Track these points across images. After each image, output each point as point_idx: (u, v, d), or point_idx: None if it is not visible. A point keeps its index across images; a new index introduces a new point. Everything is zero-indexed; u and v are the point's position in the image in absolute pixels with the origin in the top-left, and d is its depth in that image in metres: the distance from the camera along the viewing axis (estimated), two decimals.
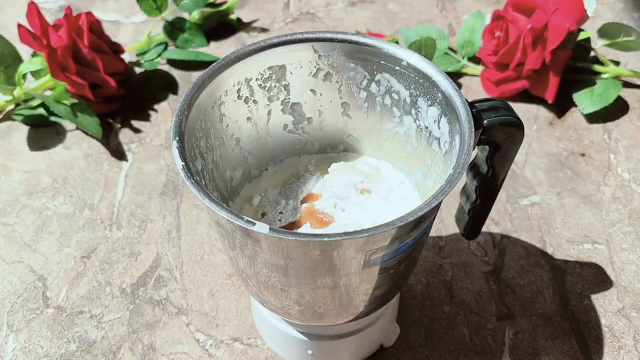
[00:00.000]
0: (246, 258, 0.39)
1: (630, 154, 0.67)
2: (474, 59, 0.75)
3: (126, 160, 0.67)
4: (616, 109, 0.71)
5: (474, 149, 0.38)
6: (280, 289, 0.40)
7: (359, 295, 0.41)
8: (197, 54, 0.76)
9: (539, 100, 0.72)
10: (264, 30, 0.82)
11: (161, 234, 0.60)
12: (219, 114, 0.43)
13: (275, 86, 0.46)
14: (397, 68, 0.43)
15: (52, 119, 0.70)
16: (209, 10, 0.79)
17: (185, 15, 0.79)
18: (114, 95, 0.71)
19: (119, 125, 0.70)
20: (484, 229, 0.60)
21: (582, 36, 0.70)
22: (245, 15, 0.84)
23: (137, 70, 0.76)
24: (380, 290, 0.41)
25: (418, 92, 0.43)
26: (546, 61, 0.68)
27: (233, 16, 0.82)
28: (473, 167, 0.45)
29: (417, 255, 0.43)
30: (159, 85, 0.75)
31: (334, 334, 0.48)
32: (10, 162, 0.67)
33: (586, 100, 0.69)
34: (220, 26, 0.82)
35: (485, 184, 0.44)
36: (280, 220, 0.45)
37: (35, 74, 0.70)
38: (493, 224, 0.60)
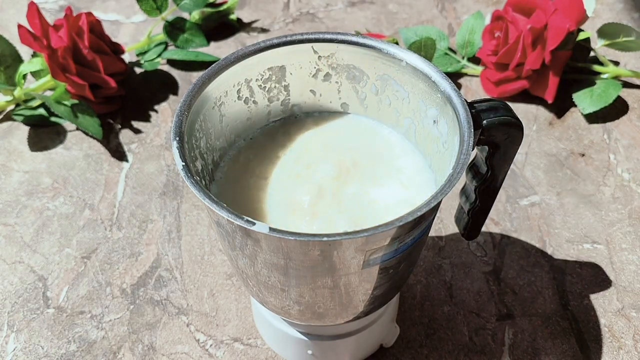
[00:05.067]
0: (246, 258, 0.39)
1: (630, 154, 0.67)
2: (474, 59, 0.75)
3: (126, 160, 0.67)
4: (616, 109, 0.71)
5: (473, 149, 0.38)
6: (280, 289, 0.40)
7: (359, 295, 0.41)
8: (197, 54, 0.76)
9: (539, 100, 0.72)
10: (264, 30, 0.82)
11: (161, 234, 0.60)
12: (219, 115, 0.44)
13: (275, 87, 0.46)
14: (396, 69, 0.43)
15: (53, 119, 0.70)
16: (209, 10, 0.79)
17: (185, 15, 0.80)
18: (114, 95, 0.71)
19: (119, 126, 0.70)
20: (484, 229, 0.60)
21: (581, 36, 0.70)
22: (245, 15, 0.84)
23: (137, 70, 0.76)
24: (380, 290, 0.41)
25: (417, 93, 0.43)
26: (546, 61, 0.68)
27: (233, 16, 0.82)
28: (472, 168, 0.45)
29: (417, 255, 0.43)
30: (159, 85, 0.75)
31: (334, 334, 0.48)
32: (11, 162, 0.67)
33: (586, 100, 0.69)
34: (220, 26, 0.82)
35: (485, 184, 0.44)
36: None
37: (36, 75, 0.70)
38: (493, 224, 0.60)
